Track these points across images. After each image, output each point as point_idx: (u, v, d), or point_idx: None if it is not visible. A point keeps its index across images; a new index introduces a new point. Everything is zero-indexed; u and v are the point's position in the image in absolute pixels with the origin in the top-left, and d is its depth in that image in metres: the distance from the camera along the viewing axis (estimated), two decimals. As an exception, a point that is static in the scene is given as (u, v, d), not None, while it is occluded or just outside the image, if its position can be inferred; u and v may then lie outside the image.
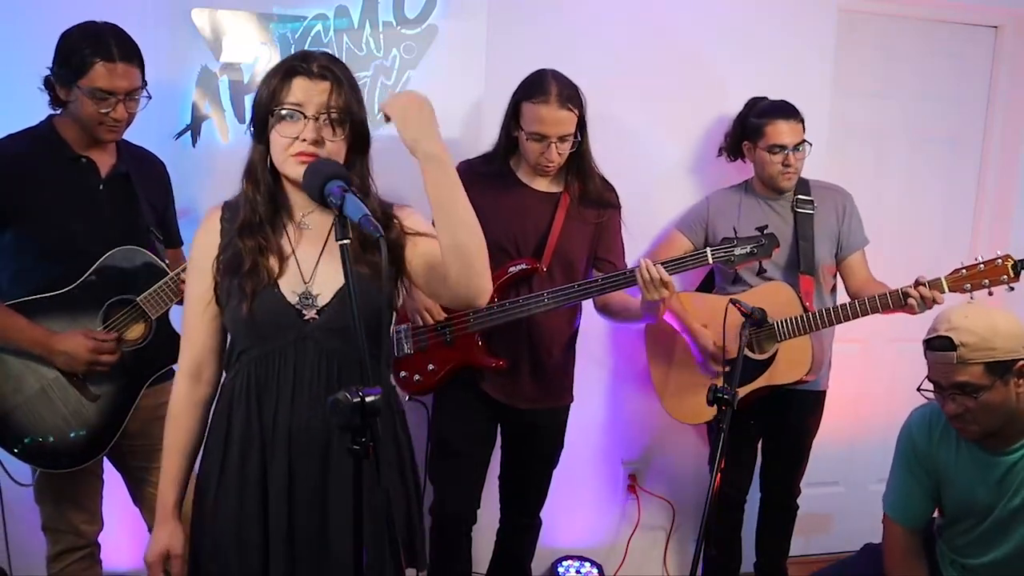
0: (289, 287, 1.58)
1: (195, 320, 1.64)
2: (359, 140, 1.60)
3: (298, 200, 1.60)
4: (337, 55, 2.51)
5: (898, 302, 2.37)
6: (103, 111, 1.97)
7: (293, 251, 1.60)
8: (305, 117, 1.52)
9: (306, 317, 1.57)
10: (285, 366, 1.57)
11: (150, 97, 2.06)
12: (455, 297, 1.58)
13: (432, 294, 1.64)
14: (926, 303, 2.34)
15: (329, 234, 1.59)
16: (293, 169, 1.52)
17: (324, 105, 1.52)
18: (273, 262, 1.58)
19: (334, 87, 1.54)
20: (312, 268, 1.59)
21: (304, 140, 1.51)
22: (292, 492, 1.57)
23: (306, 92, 1.52)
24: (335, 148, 1.54)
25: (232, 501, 1.58)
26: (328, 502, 1.58)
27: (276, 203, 1.60)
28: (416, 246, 1.63)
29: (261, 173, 1.59)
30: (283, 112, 1.52)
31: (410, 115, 1.50)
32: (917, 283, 2.35)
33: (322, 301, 1.58)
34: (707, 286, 2.85)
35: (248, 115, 1.65)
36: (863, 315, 2.43)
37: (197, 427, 1.66)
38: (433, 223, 1.54)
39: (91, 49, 1.94)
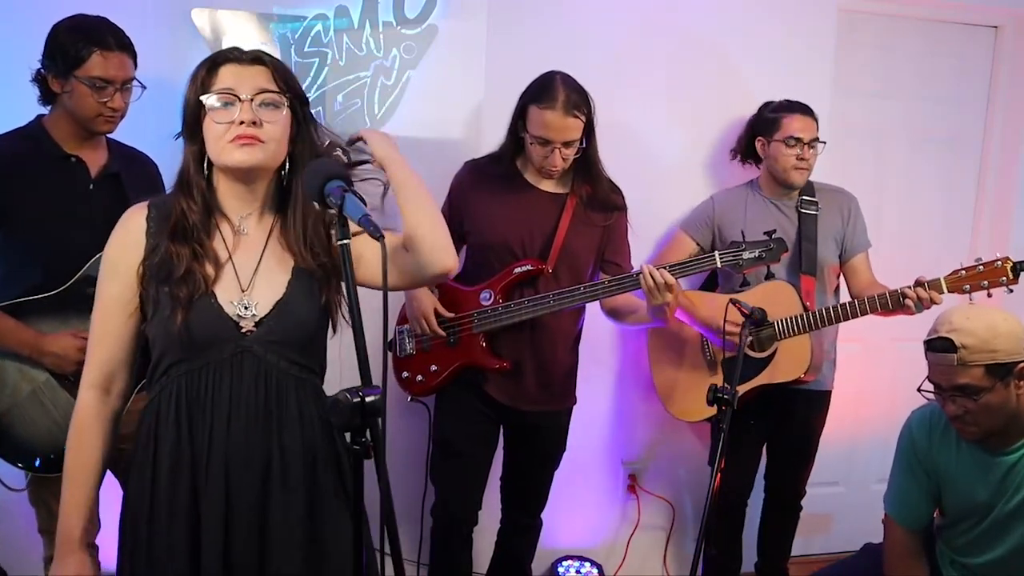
0: (226, 296, 1.48)
1: (108, 326, 1.51)
2: (302, 131, 1.53)
3: (233, 203, 1.53)
4: (337, 55, 2.57)
5: (896, 302, 2.38)
6: (102, 100, 1.98)
7: (230, 257, 1.51)
8: (240, 100, 1.44)
9: (243, 329, 1.47)
10: (220, 382, 1.46)
11: (144, 87, 2.07)
12: (425, 271, 1.57)
13: (401, 273, 1.59)
14: (923, 304, 2.34)
15: (267, 241, 1.54)
16: (232, 155, 1.44)
17: (259, 87, 1.46)
18: (209, 269, 1.48)
19: (270, 70, 1.49)
20: (250, 276, 1.50)
21: (241, 123, 1.43)
22: (229, 520, 1.46)
23: (237, 76, 1.46)
24: (276, 132, 1.47)
25: (162, 532, 1.46)
26: (269, 528, 1.48)
27: (209, 207, 1.51)
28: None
29: (195, 176, 1.50)
30: (215, 101, 1.45)
31: (386, 139, 1.65)
32: (916, 283, 2.35)
33: (261, 311, 1.49)
34: (710, 286, 2.85)
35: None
36: (861, 315, 2.44)
37: (105, 445, 1.53)
38: (403, 215, 1.57)
39: (88, 39, 1.95)
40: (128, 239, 1.51)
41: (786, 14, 2.98)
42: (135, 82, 2.05)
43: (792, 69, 2.97)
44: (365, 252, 1.56)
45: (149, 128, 2.23)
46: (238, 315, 1.48)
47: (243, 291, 1.49)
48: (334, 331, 1.61)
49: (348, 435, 1.28)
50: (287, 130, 1.51)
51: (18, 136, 2.05)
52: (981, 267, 2.30)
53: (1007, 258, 2.29)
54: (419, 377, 2.42)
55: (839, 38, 3.09)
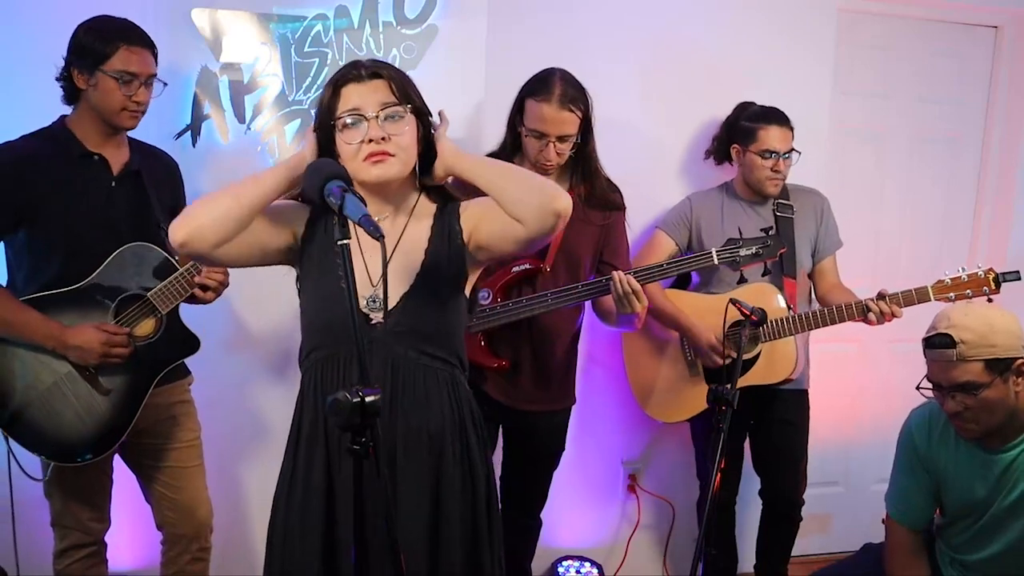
0: (359, 291, 1.54)
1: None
2: (428, 132, 1.63)
3: (370, 207, 1.56)
4: (337, 55, 2.56)
5: (862, 312, 2.47)
6: (128, 94, 2.02)
7: (363, 256, 1.60)
8: (366, 119, 1.54)
9: (373, 321, 1.57)
10: (350, 369, 1.57)
11: (165, 84, 2.13)
12: (541, 232, 1.56)
13: (518, 246, 1.61)
14: (885, 317, 2.44)
15: (399, 239, 1.61)
16: (368, 172, 1.55)
17: (382, 102, 1.54)
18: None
19: (388, 83, 1.56)
20: (379, 272, 1.56)
21: (371, 141, 1.53)
22: (361, 502, 1.54)
23: (361, 95, 1.55)
24: (405, 141, 1.56)
25: (297, 511, 1.60)
26: (397, 511, 1.54)
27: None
28: (484, 216, 1.64)
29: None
30: (345, 120, 1.54)
31: (452, 154, 1.64)
32: (879, 296, 2.44)
33: (389, 305, 1.57)
34: (680, 285, 2.83)
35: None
36: (840, 321, 2.51)
37: None
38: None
39: (115, 35, 2.01)
40: (299, 210, 1.66)
41: (785, 14, 2.98)
42: (157, 78, 2.10)
43: (792, 69, 2.98)
44: (480, 223, 1.64)
45: (151, 127, 2.24)
46: (369, 308, 1.58)
47: (373, 286, 1.59)
48: (471, 315, 1.72)
49: (349, 435, 1.29)
50: (415, 137, 1.59)
51: (42, 136, 2.09)
52: (965, 277, 2.40)
53: (990, 269, 2.40)
54: (419, 377, 2.42)
55: (839, 38, 3.09)
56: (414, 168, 1.63)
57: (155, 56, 2.09)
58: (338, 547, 1.57)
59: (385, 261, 1.31)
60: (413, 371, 1.58)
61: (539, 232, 1.56)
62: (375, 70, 1.57)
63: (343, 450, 1.55)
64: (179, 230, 1.53)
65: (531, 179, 1.59)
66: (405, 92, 1.58)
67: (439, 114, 1.68)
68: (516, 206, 1.55)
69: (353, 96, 1.55)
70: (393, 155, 1.55)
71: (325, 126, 1.58)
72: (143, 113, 2.10)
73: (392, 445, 1.57)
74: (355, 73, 1.57)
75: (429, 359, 1.60)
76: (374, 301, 1.57)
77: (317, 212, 1.66)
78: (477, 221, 1.65)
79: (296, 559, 1.59)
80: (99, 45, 2.00)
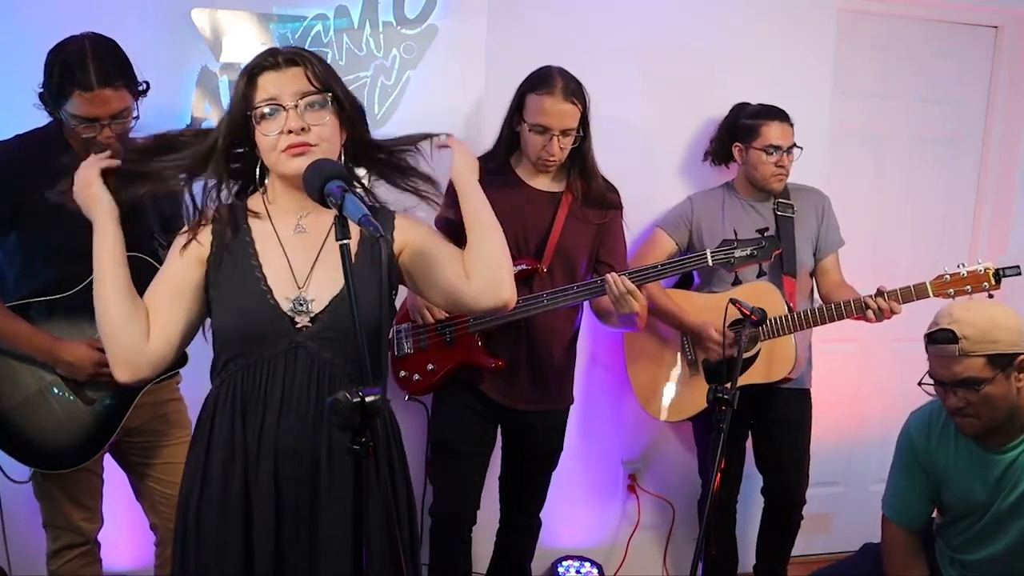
0: (282, 293, 1.51)
1: (164, 304, 1.53)
2: (352, 119, 1.55)
3: (292, 204, 1.54)
4: (337, 55, 2.57)
5: (860, 309, 2.45)
6: (86, 136, 1.94)
7: (287, 256, 1.53)
8: (284, 108, 1.46)
9: (299, 324, 1.49)
10: (274, 377, 1.49)
11: (138, 118, 2.00)
12: (478, 302, 1.58)
13: (449, 299, 1.61)
14: (884, 314, 2.42)
15: (327, 238, 1.53)
16: (287, 165, 1.47)
17: (300, 91, 1.47)
18: (266, 268, 1.52)
19: (306, 69, 1.48)
20: (307, 273, 1.52)
21: (290, 132, 1.45)
22: (279, 512, 1.49)
23: (278, 84, 1.47)
24: (326, 132, 1.49)
25: (213, 517, 1.50)
26: (318, 523, 1.50)
27: (266, 209, 1.57)
28: (424, 249, 1.60)
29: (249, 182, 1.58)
30: (261, 111, 1.47)
31: (472, 162, 1.71)
32: (877, 293, 2.43)
33: (316, 308, 1.50)
34: (683, 285, 2.84)
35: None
36: (839, 319, 2.49)
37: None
38: (467, 240, 1.60)
39: (68, 78, 1.88)
40: (200, 234, 1.56)
41: (785, 14, 2.98)
42: (133, 111, 1.97)
43: (792, 69, 2.98)
44: (410, 238, 1.60)
45: (152, 128, 2.24)
46: (293, 311, 1.50)
47: (299, 288, 1.52)
48: (388, 328, 1.67)
49: (349, 435, 1.29)
50: (336, 126, 1.52)
51: (36, 138, 2.06)
52: (964, 273, 2.38)
53: (990, 265, 2.38)
54: (416, 376, 2.42)
55: (839, 38, 3.09)
56: (338, 159, 1.55)
57: (128, 85, 1.95)
58: (256, 559, 1.49)
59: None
60: (339, 378, 1.49)
61: (478, 296, 1.56)
62: (292, 57, 1.48)
63: (261, 464, 1.48)
64: (119, 373, 1.52)
65: (504, 255, 1.60)
66: (325, 80, 1.49)
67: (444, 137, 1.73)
68: (483, 256, 1.57)
69: (270, 85, 1.47)
70: (314, 145, 1.46)
71: (240, 117, 1.49)
72: (120, 143, 1.98)
73: (315, 452, 1.49)
74: (272, 61, 1.47)
75: (355, 366, 1.49)
76: (300, 304, 1.50)
77: (221, 220, 1.56)
78: (411, 243, 1.60)
79: (212, 559, 1.50)
80: (56, 85, 1.90)
